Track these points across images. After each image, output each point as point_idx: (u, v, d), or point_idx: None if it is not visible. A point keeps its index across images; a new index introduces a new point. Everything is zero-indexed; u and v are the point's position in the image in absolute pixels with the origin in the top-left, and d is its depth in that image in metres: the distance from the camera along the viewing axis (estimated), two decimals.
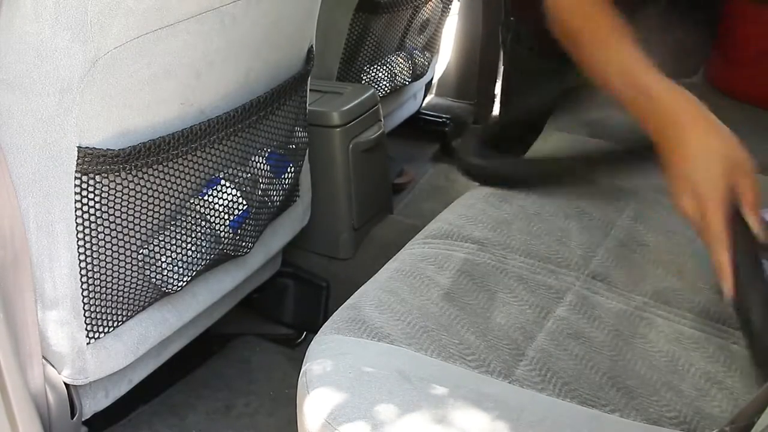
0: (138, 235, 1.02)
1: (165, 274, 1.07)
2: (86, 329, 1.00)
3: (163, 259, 1.06)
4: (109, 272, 1.00)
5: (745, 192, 0.78)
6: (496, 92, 2.11)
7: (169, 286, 1.08)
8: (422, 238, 1.07)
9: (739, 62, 1.45)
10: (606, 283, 1.00)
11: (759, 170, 1.28)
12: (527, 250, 1.03)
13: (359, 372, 0.83)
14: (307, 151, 1.34)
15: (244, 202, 1.15)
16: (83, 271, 0.97)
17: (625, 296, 0.98)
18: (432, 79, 2.18)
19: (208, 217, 1.11)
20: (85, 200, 0.94)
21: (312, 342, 0.90)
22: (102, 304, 1.01)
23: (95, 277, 0.98)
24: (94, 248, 0.97)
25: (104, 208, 0.96)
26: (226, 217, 1.13)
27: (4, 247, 0.91)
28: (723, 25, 1.47)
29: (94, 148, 0.91)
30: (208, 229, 1.12)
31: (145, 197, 1.00)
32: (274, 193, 1.25)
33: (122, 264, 1.01)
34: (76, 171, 0.92)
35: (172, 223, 1.07)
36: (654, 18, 1.02)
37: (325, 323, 0.92)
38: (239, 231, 1.17)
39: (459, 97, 2.24)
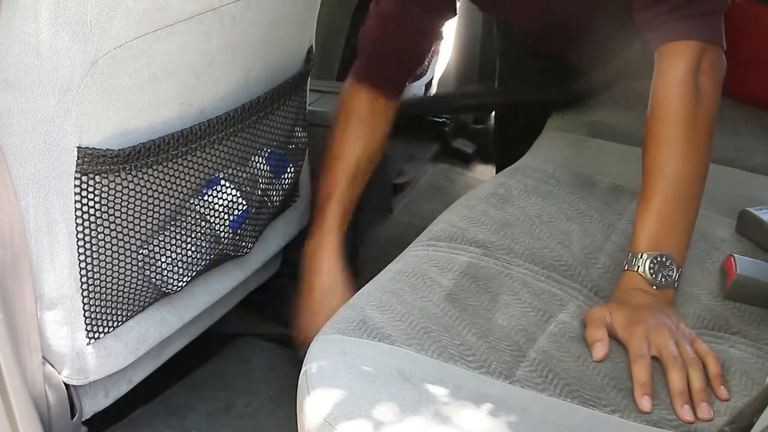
0: (138, 235, 1.02)
1: (165, 274, 1.07)
2: (86, 329, 1.00)
3: (163, 259, 1.06)
4: (109, 272, 1.00)
5: None
6: None
7: (169, 287, 1.08)
8: (426, 240, 1.07)
9: (739, 62, 1.45)
10: (607, 300, 0.99)
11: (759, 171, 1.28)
12: (531, 256, 1.03)
13: (360, 372, 0.83)
14: (307, 151, 1.34)
15: (244, 203, 1.15)
16: (83, 271, 0.97)
17: None
18: (432, 79, 2.17)
19: (208, 217, 1.11)
20: (85, 200, 0.94)
21: (312, 342, 0.90)
22: (102, 304, 1.01)
23: (95, 277, 0.98)
24: (94, 248, 0.97)
25: (104, 209, 0.96)
26: (226, 217, 1.13)
27: (4, 247, 0.90)
28: (727, 26, 1.47)
29: (94, 148, 0.91)
30: (208, 229, 1.12)
31: (145, 197, 1.00)
32: (274, 193, 1.25)
33: (122, 264, 1.01)
34: (76, 171, 0.91)
35: (172, 223, 1.07)
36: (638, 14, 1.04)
37: (326, 323, 0.92)
38: (239, 231, 1.17)
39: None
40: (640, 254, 0.95)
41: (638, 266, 0.94)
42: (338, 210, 1.23)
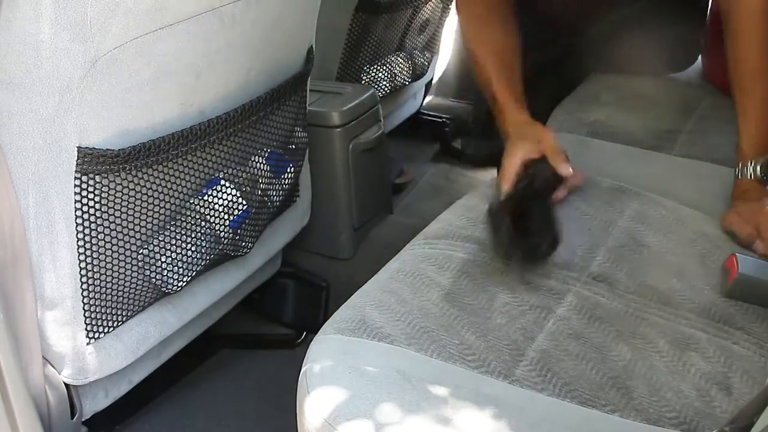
0: (138, 235, 1.02)
1: (165, 274, 1.07)
2: (86, 329, 1.00)
3: (163, 259, 1.06)
4: (109, 272, 1.00)
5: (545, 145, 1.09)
6: None
7: (169, 286, 1.08)
8: (423, 239, 1.07)
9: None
10: (607, 284, 1.00)
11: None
12: None
13: (359, 372, 0.83)
14: (307, 151, 1.34)
15: (244, 202, 1.15)
16: (83, 271, 0.97)
17: (626, 297, 0.98)
18: (432, 79, 2.18)
19: (208, 217, 1.11)
20: (85, 200, 0.94)
21: (312, 342, 0.90)
22: (102, 304, 1.01)
23: (95, 277, 0.98)
24: (94, 248, 0.97)
25: (104, 208, 0.96)
26: (226, 217, 1.13)
27: (4, 247, 0.91)
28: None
29: (94, 148, 0.91)
30: (208, 229, 1.12)
31: (145, 197, 1.00)
32: (274, 193, 1.25)
33: (122, 264, 1.01)
34: (76, 171, 0.91)
35: (172, 223, 1.07)
36: (643, 12, 1.05)
37: (326, 323, 0.92)
38: (239, 231, 1.17)
39: (459, 97, 2.24)
40: (749, 162, 1.06)
41: (749, 173, 1.06)
42: (513, 99, 1.19)
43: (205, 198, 1.10)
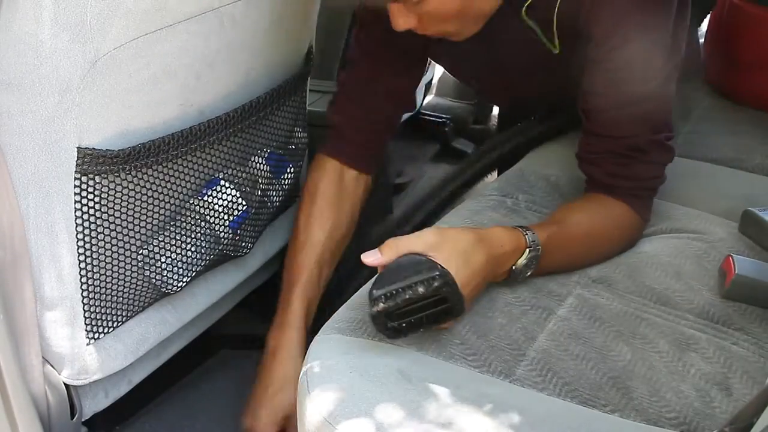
0: (138, 236, 1.02)
1: (165, 274, 1.07)
2: (86, 329, 1.00)
3: (163, 259, 1.06)
4: (109, 272, 1.00)
5: None
6: None
7: (169, 287, 1.08)
8: None
9: (743, 65, 1.45)
10: (606, 285, 1.00)
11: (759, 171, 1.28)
12: None
13: (360, 371, 0.83)
14: (307, 151, 1.34)
15: (244, 203, 1.15)
16: (83, 272, 0.97)
17: (626, 297, 0.98)
18: (432, 79, 2.17)
19: (208, 217, 1.11)
20: (85, 201, 0.94)
21: (313, 342, 0.90)
22: (102, 304, 1.01)
23: (95, 277, 0.98)
24: (94, 248, 0.97)
25: (104, 209, 0.96)
26: (226, 217, 1.13)
27: (4, 248, 0.90)
28: (727, 28, 1.47)
29: (93, 148, 0.91)
30: (208, 230, 1.12)
31: (144, 198, 1.00)
32: (274, 193, 1.25)
33: (122, 264, 1.01)
34: (75, 171, 0.91)
35: (172, 223, 1.07)
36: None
37: (326, 323, 0.92)
38: (239, 231, 1.17)
39: (459, 97, 2.24)
40: (533, 242, 0.96)
41: (527, 243, 0.95)
42: (302, 304, 1.16)
43: (205, 198, 1.10)
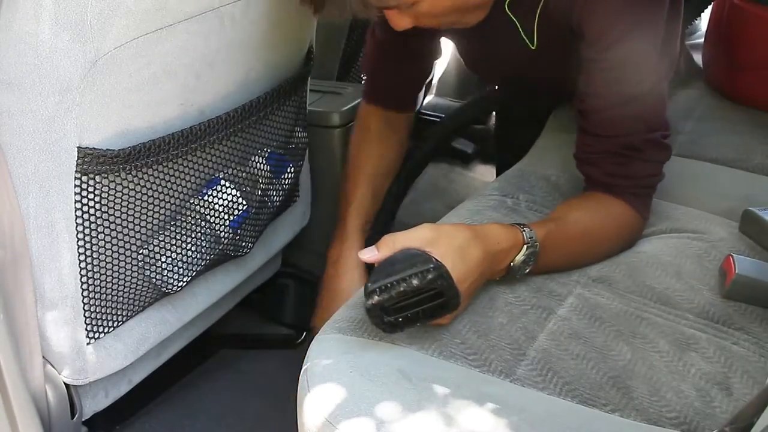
0: (138, 235, 1.02)
1: (165, 274, 1.07)
2: (86, 329, 1.00)
3: (163, 259, 1.06)
4: (109, 272, 1.00)
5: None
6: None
7: (169, 286, 1.08)
8: None
9: (743, 65, 1.45)
10: (607, 285, 1.00)
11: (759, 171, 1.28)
12: None
13: (360, 371, 0.83)
14: (307, 151, 1.34)
15: (244, 202, 1.15)
16: (83, 271, 0.97)
17: (626, 297, 0.98)
18: (432, 79, 2.17)
19: (208, 217, 1.11)
20: (85, 200, 0.94)
21: (312, 341, 0.90)
22: (102, 304, 1.01)
23: (95, 277, 0.98)
24: (94, 248, 0.97)
25: (104, 208, 0.96)
26: (226, 217, 1.13)
27: (4, 247, 0.90)
28: (727, 28, 1.47)
29: (94, 148, 0.91)
30: (208, 229, 1.12)
31: (145, 197, 1.00)
32: (274, 193, 1.25)
33: (122, 264, 1.01)
34: (76, 171, 0.91)
35: (172, 223, 1.07)
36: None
37: (326, 323, 0.92)
38: (239, 231, 1.17)
39: (459, 97, 2.24)
40: (531, 238, 0.95)
41: (524, 239, 0.95)
42: (358, 219, 1.26)
43: (205, 198, 1.10)
